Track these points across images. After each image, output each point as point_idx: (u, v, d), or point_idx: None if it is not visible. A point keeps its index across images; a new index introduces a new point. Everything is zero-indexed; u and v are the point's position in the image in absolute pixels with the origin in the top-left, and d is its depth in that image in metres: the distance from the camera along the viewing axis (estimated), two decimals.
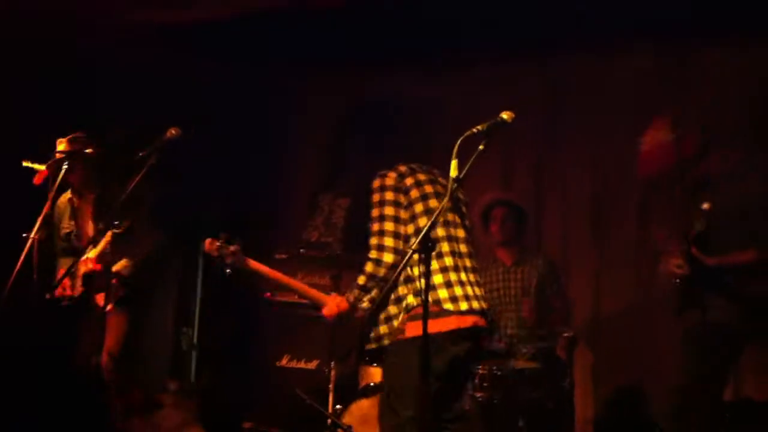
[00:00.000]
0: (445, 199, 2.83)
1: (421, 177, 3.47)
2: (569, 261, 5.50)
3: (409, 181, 3.44)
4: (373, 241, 3.37)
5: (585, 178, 5.58)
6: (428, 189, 3.44)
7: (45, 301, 4.22)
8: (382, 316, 3.42)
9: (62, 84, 5.06)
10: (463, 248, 3.47)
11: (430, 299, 3.23)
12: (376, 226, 3.38)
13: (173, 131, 3.54)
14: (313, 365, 5.54)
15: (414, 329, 3.22)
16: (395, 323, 3.38)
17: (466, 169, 2.78)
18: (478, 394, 4.36)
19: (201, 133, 3.64)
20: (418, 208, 3.39)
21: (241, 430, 5.56)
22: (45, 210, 3.84)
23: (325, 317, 3.54)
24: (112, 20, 5.16)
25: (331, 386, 4.66)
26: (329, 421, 4.36)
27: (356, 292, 3.39)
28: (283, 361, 5.67)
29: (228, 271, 3.70)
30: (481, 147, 2.80)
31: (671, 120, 4.10)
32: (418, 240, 2.79)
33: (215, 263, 3.73)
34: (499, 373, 4.30)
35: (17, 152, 4.74)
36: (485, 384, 4.37)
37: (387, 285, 3.36)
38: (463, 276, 3.39)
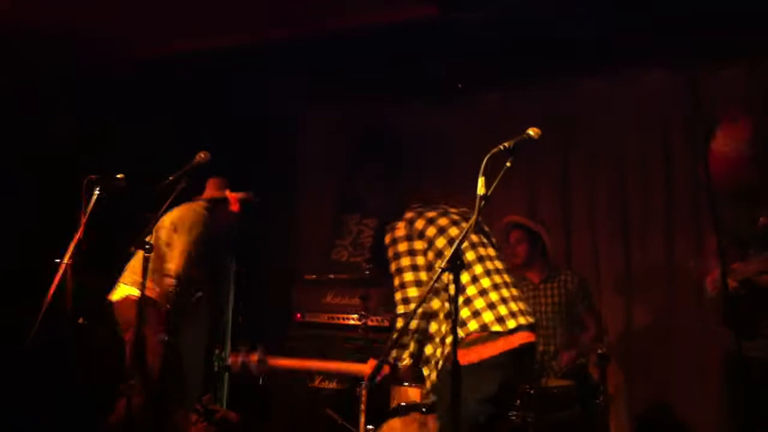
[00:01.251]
0: (474, 216, 2.78)
1: (431, 215, 3.43)
2: (600, 277, 5.46)
3: (419, 224, 3.40)
4: (398, 296, 3.35)
5: (612, 193, 5.55)
6: (443, 222, 3.40)
7: (79, 326, 4.27)
8: (425, 357, 3.35)
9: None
10: (498, 265, 3.41)
11: (476, 325, 3.23)
12: (396, 281, 3.36)
13: (202, 155, 3.56)
14: (344, 386, 5.53)
15: (464, 356, 3.08)
16: (440, 362, 3.28)
17: (493, 186, 2.76)
18: (511, 414, 4.32)
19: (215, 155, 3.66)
20: (440, 243, 3.33)
21: None
22: (78, 235, 3.87)
23: (368, 383, 3.56)
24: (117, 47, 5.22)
25: (362, 407, 4.64)
26: None
27: (394, 351, 3.33)
28: (315, 382, 5.67)
29: (261, 379, 3.74)
30: (507, 164, 2.78)
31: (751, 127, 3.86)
32: (447, 258, 2.75)
33: (244, 375, 3.78)
34: (531, 391, 4.25)
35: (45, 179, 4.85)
36: (518, 403, 4.33)
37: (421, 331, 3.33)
38: (504, 292, 3.32)
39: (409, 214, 3.47)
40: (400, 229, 3.42)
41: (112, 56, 5.23)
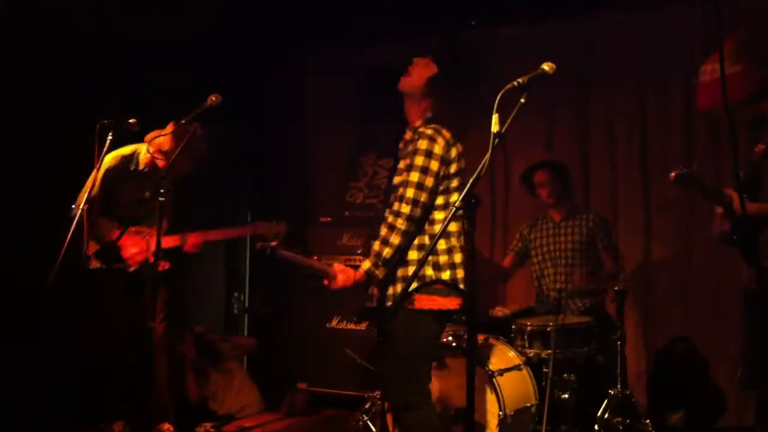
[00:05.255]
0: (488, 154, 2.73)
1: (460, 148, 3.39)
2: (618, 216, 5.42)
3: (453, 152, 3.33)
4: (410, 193, 3.23)
5: (631, 130, 5.45)
6: (462, 164, 3.38)
7: (96, 270, 4.31)
8: (399, 274, 3.34)
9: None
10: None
11: (448, 276, 3.30)
12: (415, 177, 3.24)
13: (213, 98, 3.52)
14: (362, 326, 5.58)
15: (423, 302, 3.26)
16: (413, 285, 3.29)
17: (508, 123, 2.69)
18: (529, 351, 4.35)
19: (231, 104, 3.60)
20: (454, 183, 3.33)
21: (296, 391, 5.66)
22: (91, 180, 3.87)
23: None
24: None
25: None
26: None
27: (378, 246, 3.27)
28: (333, 323, 5.73)
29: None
30: (522, 100, 2.70)
31: (735, 49, 3.74)
32: (461, 197, 2.68)
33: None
34: (548, 329, 4.27)
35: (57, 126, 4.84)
36: (535, 340, 4.35)
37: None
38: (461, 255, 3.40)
39: (447, 134, 3.34)
40: (440, 146, 3.29)
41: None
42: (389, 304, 3.33)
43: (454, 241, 3.34)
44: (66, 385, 4.65)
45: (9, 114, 4.62)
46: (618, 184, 5.49)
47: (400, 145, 3.52)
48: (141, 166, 4.46)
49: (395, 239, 3.23)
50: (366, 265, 3.29)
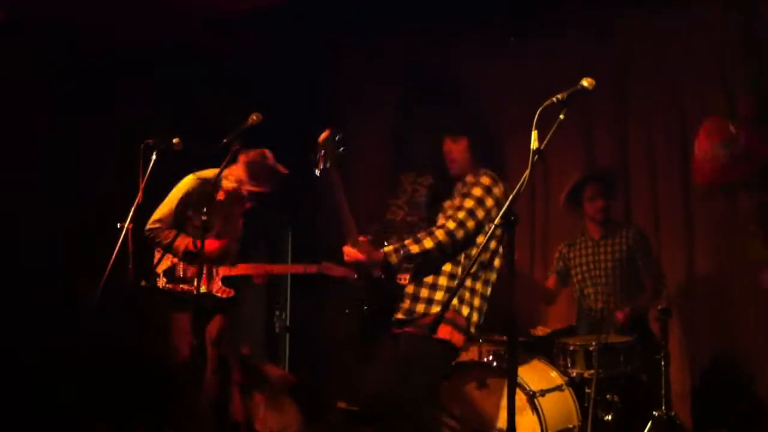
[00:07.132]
0: (527, 172, 2.72)
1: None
2: (659, 229, 5.32)
3: (501, 201, 3.42)
4: (461, 215, 3.34)
5: (672, 148, 5.36)
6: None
7: (141, 288, 4.36)
8: (424, 294, 3.43)
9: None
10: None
11: (466, 312, 3.43)
12: (465, 218, 3.36)
13: (255, 117, 3.57)
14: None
15: (442, 332, 3.32)
16: (433, 309, 3.38)
17: (546, 140, 2.69)
18: (572, 371, 4.30)
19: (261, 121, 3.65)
20: (498, 231, 3.38)
21: (336, 410, 5.65)
22: (138, 200, 3.93)
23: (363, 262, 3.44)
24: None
25: None
26: None
27: (416, 249, 3.33)
28: None
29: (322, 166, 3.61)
30: (561, 116, 2.71)
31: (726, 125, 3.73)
32: (500, 214, 2.70)
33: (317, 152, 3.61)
34: (590, 348, 4.22)
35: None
36: (578, 360, 4.30)
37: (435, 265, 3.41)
38: None
39: (503, 185, 3.49)
40: (499, 190, 3.45)
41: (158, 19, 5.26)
42: (400, 316, 3.45)
43: (479, 286, 3.44)
44: (119, 393, 4.71)
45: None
46: (659, 197, 5.38)
47: (458, 185, 3.58)
48: (222, 197, 4.45)
49: (428, 243, 3.31)
50: (388, 248, 3.37)
